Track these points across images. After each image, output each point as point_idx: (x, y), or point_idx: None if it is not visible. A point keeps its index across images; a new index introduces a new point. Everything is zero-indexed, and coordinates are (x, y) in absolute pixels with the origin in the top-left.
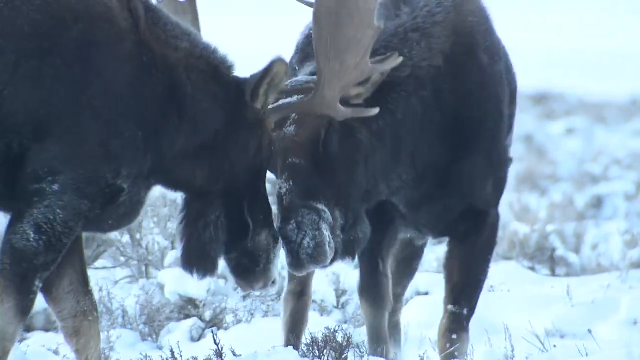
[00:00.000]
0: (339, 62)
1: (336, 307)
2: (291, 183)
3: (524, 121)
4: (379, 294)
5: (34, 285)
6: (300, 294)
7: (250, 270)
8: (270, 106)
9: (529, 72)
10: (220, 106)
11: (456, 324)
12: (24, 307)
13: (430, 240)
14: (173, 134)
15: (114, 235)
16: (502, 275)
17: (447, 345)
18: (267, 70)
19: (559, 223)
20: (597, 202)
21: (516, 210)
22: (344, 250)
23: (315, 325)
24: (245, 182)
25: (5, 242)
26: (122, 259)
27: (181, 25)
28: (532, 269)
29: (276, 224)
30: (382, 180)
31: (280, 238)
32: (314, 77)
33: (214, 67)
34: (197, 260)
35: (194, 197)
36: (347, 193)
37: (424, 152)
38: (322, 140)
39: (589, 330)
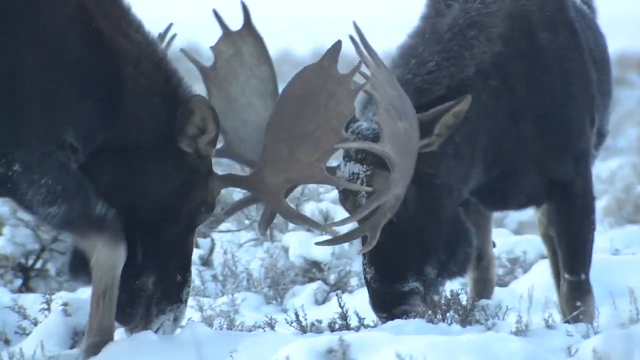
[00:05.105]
0: (287, 149)
1: None
2: (373, 270)
3: None
4: None
5: None
6: (478, 259)
7: (126, 310)
8: (218, 175)
9: None
10: (156, 129)
11: (578, 291)
12: None
13: None
14: (98, 121)
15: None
16: (627, 239)
17: (575, 313)
18: (187, 111)
19: None
20: None
21: None
22: (453, 277)
23: None
24: (150, 219)
25: None
26: (246, 222)
27: (143, 24)
28: None
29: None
30: (464, 187)
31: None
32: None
33: (172, 88)
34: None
35: None
36: (436, 244)
37: (495, 140)
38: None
39: None
